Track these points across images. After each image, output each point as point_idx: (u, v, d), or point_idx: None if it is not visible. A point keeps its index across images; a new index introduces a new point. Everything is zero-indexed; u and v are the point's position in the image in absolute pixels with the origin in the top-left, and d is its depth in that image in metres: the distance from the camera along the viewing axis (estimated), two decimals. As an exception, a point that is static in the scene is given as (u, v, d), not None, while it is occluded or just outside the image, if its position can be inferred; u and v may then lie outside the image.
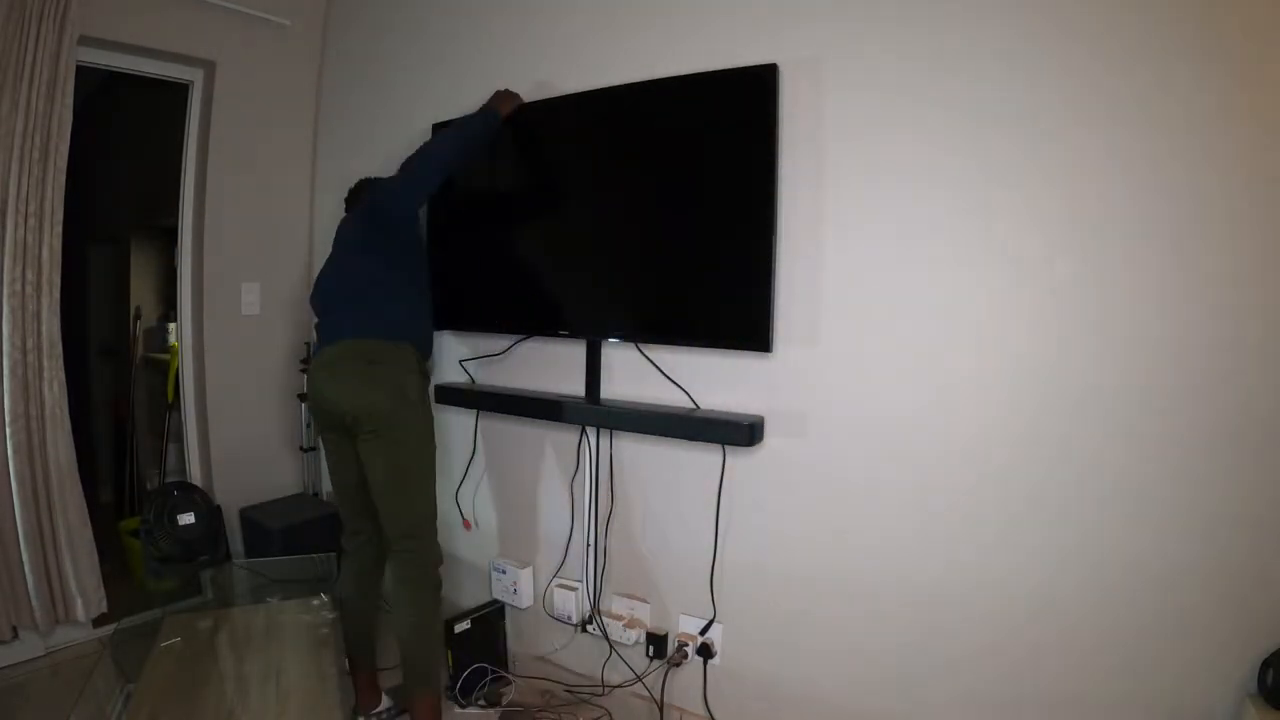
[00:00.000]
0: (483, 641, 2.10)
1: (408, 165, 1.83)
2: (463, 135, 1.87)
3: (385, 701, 1.94)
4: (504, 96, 1.96)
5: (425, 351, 1.88)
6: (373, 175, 2.19)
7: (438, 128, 2.18)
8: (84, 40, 2.00)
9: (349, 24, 2.60)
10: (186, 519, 2.27)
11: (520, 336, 2.11)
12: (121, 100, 3.21)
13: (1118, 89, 1.30)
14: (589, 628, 2.03)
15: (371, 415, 1.69)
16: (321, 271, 1.93)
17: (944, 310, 1.49)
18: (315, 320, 1.94)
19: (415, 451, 1.76)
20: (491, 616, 2.15)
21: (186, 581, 2.29)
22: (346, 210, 2.13)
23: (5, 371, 1.94)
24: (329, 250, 1.97)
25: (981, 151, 1.43)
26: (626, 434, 1.92)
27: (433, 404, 1.94)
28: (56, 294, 2.02)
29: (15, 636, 2.02)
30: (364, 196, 2.05)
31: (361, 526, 1.88)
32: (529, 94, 1.98)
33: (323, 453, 1.94)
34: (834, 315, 1.61)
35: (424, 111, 2.25)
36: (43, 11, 1.88)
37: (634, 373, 1.88)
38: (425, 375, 1.85)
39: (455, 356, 2.27)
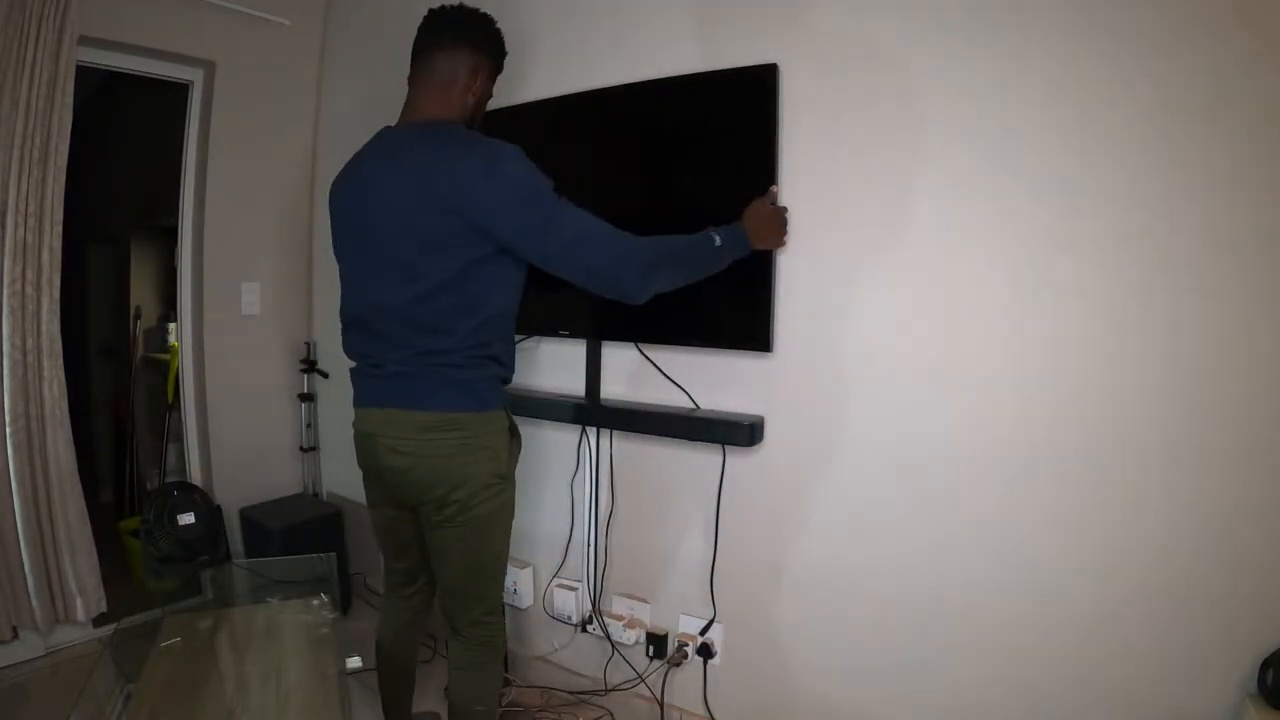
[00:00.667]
0: (483, 641, 2.10)
1: (638, 252, 1.34)
2: (705, 257, 1.43)
3: None
4: (766, 219, 1.52)
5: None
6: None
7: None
8: (84, 40, 2.00)
9: (349, 24, 2.60)
10: (186, 519, 2.27)
11: (520, 336, 2.11)
12: (121, 100, 3.21)
13: (1128, 81, 1.30)
14: (589, 628, 2.03)
15: (454, 500, 1.35)
16: (379, 235, 1.32)
17: (947, 310, 1.49)
18: (347, 338, 1.46)
19: (500, 539, 1.46)
20: (491, 616, 2.15)
21: (186, 581, 2.29)
22: (420, 58, 1.40)
23: (5, 371, 1.94)
24: (329, 247, 1.49)
25: (984, 150, 1.43)
26: (626, 434, 1.92)
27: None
28: (56, 294, 2.02)
29: (15, 636, 2.03)
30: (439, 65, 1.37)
31: (412, 578, 1.62)
32: (529, 94, 1.98)
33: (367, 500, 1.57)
34: (834, 315, 1.61)
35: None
36: (43, 11, 1.88)
37: (634, 373, 1.88)
38: (517, 433, 1.49)
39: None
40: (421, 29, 1.42)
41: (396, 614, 1.66)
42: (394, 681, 1.70)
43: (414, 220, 1.28)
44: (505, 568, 1.53)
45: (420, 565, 1.58)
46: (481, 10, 1.45)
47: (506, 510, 1.47)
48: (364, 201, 1.36)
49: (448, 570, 1.45)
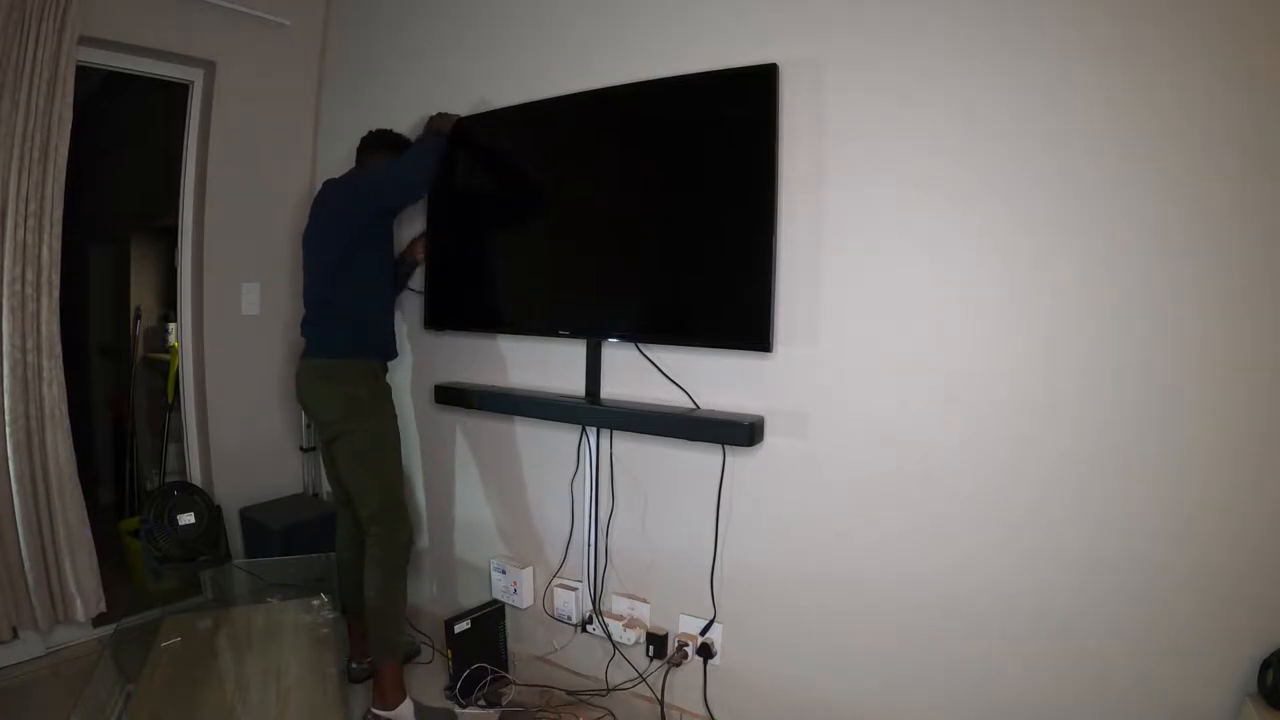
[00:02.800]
0: (483, 641, 2.10)
1: (397, 168, 1.99)
2: (431, 156, 1.98)
3: None
4: (442, 119, 2.09)
5: (383, 354, 2.05)
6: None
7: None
8: (84, 40, 2.00)
9: (349, 24, 2.60)
10: (186, 519, 2.27)
11: (521, 337, 2.11)
12: (121, 100, 3.21)
13: (1115, 89, 1.30)
14: (589, 628, 2.03)
15: (329, 423, 1.95)
16: (306, 250, 2.03)
17: (944, 309, 1.49)
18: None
19: (370, 449, 1.95)
20: (491, 616, 2.15)
21: (186, 581, 2.29)
22: (358, 158, 2.16)
23: (5, 371, 1.94)
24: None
25: (981, 152, 1.43)
26: (626, 434, 1.92)
27: (403, 401, 2.15)
28: (56, 294, 2.02)
29: (15, 636, 2.02)
30: (366, 165, 2.09)
31: (347, 499, 2.06)
32: (531, 94, 1.98)
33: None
34: (834, 315, 1.61)
35: (424, 112, 2.25)
36: (43, 11, 1.88)
37: (634, 373, 1.88)
38: (378, 381, 2.02)
39: (457, 357, 2.27)
40: (360, 144, 2.14)
41: (341, 526, 2.14)
42: (348, 579, 2.11)
43: (345, 221, 1.97)
44: (388, 482, 1.96)
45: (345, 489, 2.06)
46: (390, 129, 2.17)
47: (372, 431, 1.96)
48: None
49: (341, 473, 1.99)
